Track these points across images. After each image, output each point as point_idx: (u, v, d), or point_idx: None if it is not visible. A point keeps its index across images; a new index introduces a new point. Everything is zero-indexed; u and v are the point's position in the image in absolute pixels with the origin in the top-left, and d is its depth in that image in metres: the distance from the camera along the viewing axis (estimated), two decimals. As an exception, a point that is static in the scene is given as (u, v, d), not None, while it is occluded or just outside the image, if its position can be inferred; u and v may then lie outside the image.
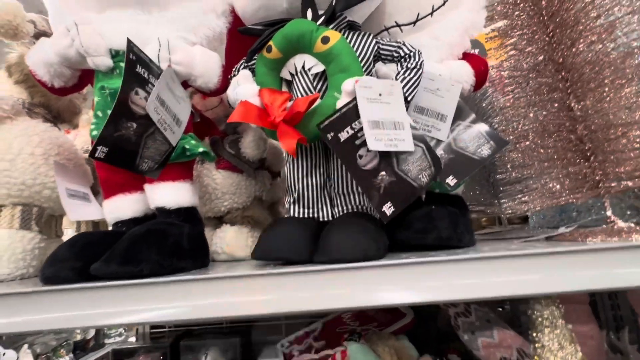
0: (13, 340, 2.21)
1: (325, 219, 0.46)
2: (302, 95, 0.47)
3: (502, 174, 0.53)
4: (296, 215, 0.46)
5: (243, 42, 0.53)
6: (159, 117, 0.40)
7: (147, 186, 0.46)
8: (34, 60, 0.44)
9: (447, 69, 0.50)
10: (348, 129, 0.40)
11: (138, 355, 0.97)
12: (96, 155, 0.35)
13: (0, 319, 0.34)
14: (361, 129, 0.40)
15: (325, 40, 0.43)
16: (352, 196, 0.46)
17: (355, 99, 0.40)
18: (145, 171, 0.41)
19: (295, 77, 0.48)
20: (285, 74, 0.48)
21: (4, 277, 0.44)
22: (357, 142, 0.40)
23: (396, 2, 0.55)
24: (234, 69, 0.52)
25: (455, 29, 0.53)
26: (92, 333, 2.79)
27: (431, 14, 0.55)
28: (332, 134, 0.40)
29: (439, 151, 0.47)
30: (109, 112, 0.41)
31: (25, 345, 2.12)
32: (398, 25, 0.56)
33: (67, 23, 0.43)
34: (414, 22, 0.56)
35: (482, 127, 0.47)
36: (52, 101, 0.54)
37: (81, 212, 0.50)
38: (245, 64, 0.51)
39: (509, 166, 0.52)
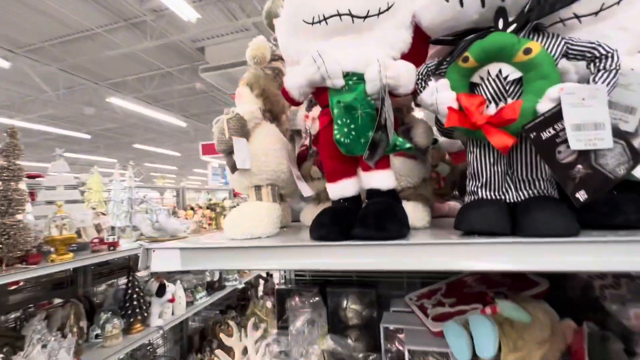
0: (169, 277, 2.87)
1: (511, 200, 0.56)
2: (490, 97, 0.55)
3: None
4: (485, 197, 0.57)
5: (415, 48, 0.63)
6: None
7: (363, 173, 0.61)
8: (289, 85, 0.61)
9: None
10: (550, 129, 0.48)
11: (294, 295, 1.24)
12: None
13: (305, 260, 0.54)
14: (562, 130, 0.47)
15: (528, 51, 0.50)
16: (537, 182, 0.55)
17: (559, 104, 0.47)
18: (375, 161, 0.56)
19: (485, 81, 0.56)
20: (475, 78, 0.57)
21: (268, 234, 0.66)
22: (558, 140, 0.48)
23: (576, -8, 0.57)
24: (418, 74, 0.62)
25: (648, 17, 0.54)
26: (217, 276, 3.44)
27: (619, 2, 0.56)
28: (534, 133, 0.49)
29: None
30: (344, 119, 0.57)
31: (179, 281, 2.76)
32: (577, 17, 0.59)
33: (312, 54, 0.58)
34: (597, 12, 0.58)
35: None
36: (274, 107, 0.73)
37: (305, 190, 0.69)
38: (434, 70, 0.61)
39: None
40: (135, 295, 2.27)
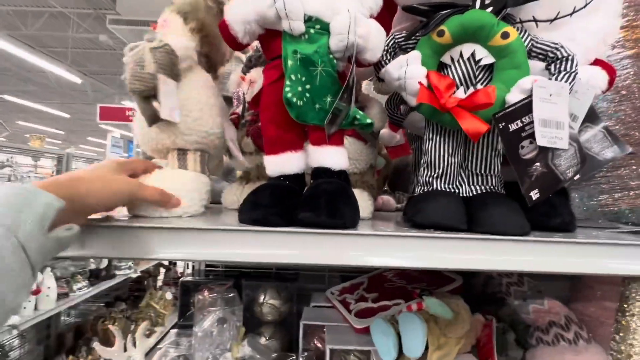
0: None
1: (464, 194, 0.53)
2: (459, 80, 0.51)
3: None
4: (439, 189, 0.53)
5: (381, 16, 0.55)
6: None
7: (312, 148, 0.51)
8: (233, 17, 0.46)
9: (585, 72, 0.55)
10: (518, 121, 0.46)
11: (203, 289, 1.06)
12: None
13: (221, 249, 0.41)
14: (529, 123, 0.45)
15: (505, 35, 0.46)
16: (490, 178, 0.53)
17: (529, 96, 0.45)
18: (332, 132, 0.47)
19: (455, 63, 0.51)
20: (446, 58, 0.52)
21: (193, 212, 0.50)
22: (523, 134, 0.46)
23: (538, -4, 0.57)
24: (385, 44, 0.55)
25: (594, 33, 0.57)
26: (105, 263, 2.92)
27: (571, 14, 0.58)
28: (503, 123, 0.46)
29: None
30: (299, 75, 0.46)
31: (48, 269, 2.23)
32: (535, 21, 0.59)
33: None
34: (552, 20, 0.59)
35: (608, 132, 0.54)
36: (212, 53, 0.56)
37: (239, 156, 0.55)
38: (402, 43, 0.54)
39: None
40: (-23, 286, 1.71)
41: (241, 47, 0.50)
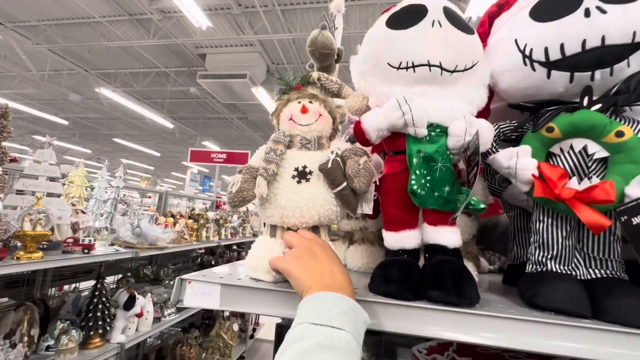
0: (137, 287, 2.64)
1: (582, 277, 0.55)
2: (569, 170, 0.55)
3: None
4: (555, 270, 0.55)
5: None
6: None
7: (428, 227, 0.58)
8: (369, 126, 0.59)
9: None
10: (641, 215, 0.48)
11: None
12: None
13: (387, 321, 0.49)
14: (654, 217, 0.47)
15: (620, 134, 0.51)
16: (610, 262, 0.54)
17: (652, 191, 0.47)
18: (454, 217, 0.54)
19: (564, 154, 0.56)
20: (555, 149, 0.57)
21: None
22: (648, 227, 0.48)
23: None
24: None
25: None
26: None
27: (686, 99, 0.59)
28: (625, 217, 0.48)
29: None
30: (422, 170, 0.54)
31: (149, 294, 2.55)
32: (644, 105, 0.61)
33: (398, 98, 0.56)
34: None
35: None
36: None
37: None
38: (509, 133, 0.61)
39: None
40: (100, 305, 2.05)
41: (371, 145, 0.62)
